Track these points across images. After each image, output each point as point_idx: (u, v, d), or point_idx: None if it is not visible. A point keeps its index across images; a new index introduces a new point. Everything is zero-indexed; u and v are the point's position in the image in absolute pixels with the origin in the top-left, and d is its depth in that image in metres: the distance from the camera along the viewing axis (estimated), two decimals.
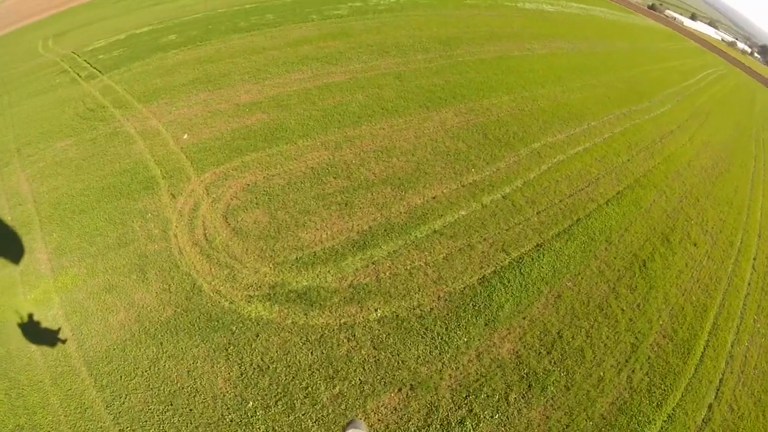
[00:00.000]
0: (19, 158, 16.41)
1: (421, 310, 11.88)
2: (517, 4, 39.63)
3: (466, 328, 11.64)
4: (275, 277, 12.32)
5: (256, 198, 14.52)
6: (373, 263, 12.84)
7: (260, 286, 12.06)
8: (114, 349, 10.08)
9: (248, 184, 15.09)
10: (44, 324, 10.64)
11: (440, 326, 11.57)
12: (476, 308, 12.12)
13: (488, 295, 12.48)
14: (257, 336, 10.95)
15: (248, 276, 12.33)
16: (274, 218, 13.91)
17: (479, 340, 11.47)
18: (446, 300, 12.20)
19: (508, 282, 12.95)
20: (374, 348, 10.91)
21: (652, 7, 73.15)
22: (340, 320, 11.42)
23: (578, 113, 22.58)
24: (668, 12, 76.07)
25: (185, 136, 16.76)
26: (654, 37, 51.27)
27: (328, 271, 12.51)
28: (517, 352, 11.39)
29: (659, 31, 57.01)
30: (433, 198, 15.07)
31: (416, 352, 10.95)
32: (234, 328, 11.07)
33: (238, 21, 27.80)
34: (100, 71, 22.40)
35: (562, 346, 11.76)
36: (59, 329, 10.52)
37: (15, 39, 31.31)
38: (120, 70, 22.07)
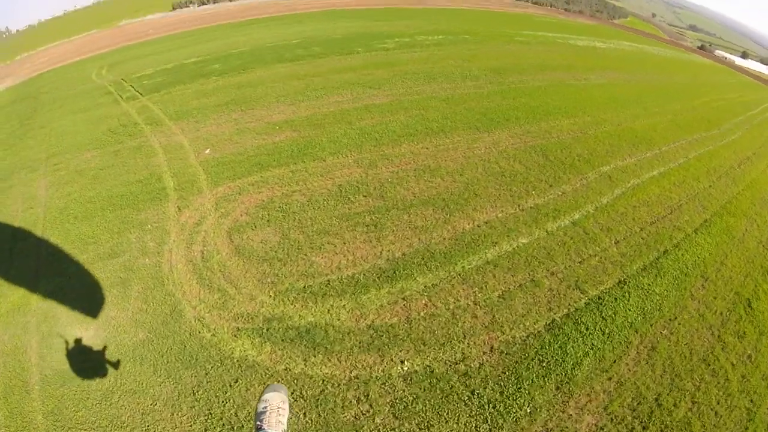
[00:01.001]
0: (46, 166, 15.79)
1: (466, 365, 8.27)
2: (569, 41, 37.01)
3: (529, 392, 7.91)
4: (274, 307, 9.26)
5: (269, 215, 12.00)
6: (403, 299, 9.45)
7: (253, 318, 9.02)
8: (71, 371, 8.22)
9: (264, 200, 12.66)
10: (14, 331, 9.10)
11: (493, 389, 7.88)
12: (544, 365, 8.36)
13: (560, 347, 8.71)
14: (236, 381, 7.78)
15: (242, 304, 9.34)
16: (286, 238, 11.17)
17: (549, 410, 7.70)
18: (502, 352, 8.52)
19: (586, 329, 9.14)
20: (394, 416, 7.34)
21: (702, 48, 69.48)
22: (350, 372, 8.01)
23: (647, 138, 18.96)
24: (718, 52, 72.05)
25: (207, 151, 15.35)
26: (709, 72, 47.41)
27: (343, 306, 9.32)
28: (602, 428, 7.56)
29: (713, 67, 53.22)
30: (486, 223, 11.65)
31: (456, 426, 7.28)
32: (209, 367, 8.02)
33: (283, 53, 26.60)
34: (141, 94, 22.00)
35: (662, 417, 7.90)
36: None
37: (75, 68, 31.89)
38: (160, 93, 21.54)
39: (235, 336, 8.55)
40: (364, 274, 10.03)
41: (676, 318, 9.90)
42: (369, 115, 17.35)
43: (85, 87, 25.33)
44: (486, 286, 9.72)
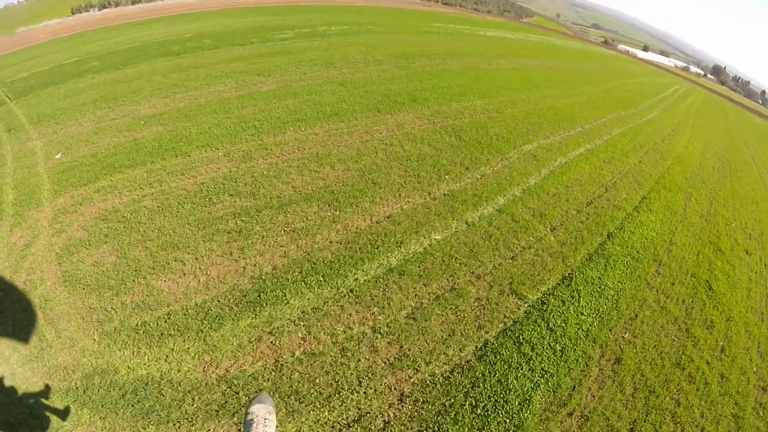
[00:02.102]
0: None
1: (364, 427, 5.05)
2: (478, 32, 35.47)
3: None
4: (98, 356, 5.82)
5: (109, 228, 8.49)
6: (271, 333, 6.08)
7: (71, 373, 5.57)
8: None
9: (106, 210, 9.14)
10: None
11: None
12: (480, 411, 5.34)
13: (499, 381, 5.74)
14: None
15: (59, 352, 5.83)
16: (124, 257, 7.67)
17: None
18: (417, 401, 5.39)
19: (531, 349, 6.25)
20: None
21: (605, 43, 72.86)
22: None
23: (567, 116, 17.14)
24: (621, 46, 76.19)
25: (58, 156, 12.07)
26: (617, 61, 49.17)
27: (187, 350, 5.94)
28: None
29: (619, 57, 55.88)
30: (388, 218, 8.52)
31: None
32: None
33: (170, 47, 22.21)
34: (9, 98, 18.16)
35: None
36: None
37: None
38: (29, 96, 17.89)
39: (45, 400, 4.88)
40: (218, 301, 6.56)
41: (636, 316, 7.36)
42: (252, 102, 13.73)
43: None
44: (389, 304, 6.54)
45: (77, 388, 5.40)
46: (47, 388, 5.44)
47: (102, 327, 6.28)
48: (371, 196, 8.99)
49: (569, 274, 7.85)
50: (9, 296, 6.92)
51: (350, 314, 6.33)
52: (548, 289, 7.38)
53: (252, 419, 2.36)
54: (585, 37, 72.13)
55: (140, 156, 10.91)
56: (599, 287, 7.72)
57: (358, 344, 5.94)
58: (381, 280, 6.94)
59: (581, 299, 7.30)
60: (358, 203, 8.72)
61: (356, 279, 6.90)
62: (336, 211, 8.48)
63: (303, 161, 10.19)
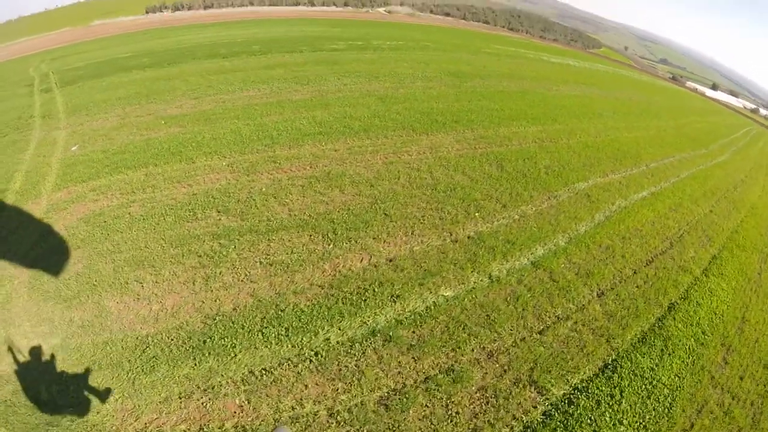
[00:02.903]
0: None
1: None
2: (542, 57, 33.32)
3: None
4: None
5: (87, 233, 7.86)
6: (206, 392, 4.89)
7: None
8: None
9: (93, 212, 8.54)
10: None
11: None
12: None
13: None
14: None
15: None
16: (89, 268, 6.93)
17: None
18: None
19: None
20: None
21: (674, 78, 67.69)
22: None
23: (631, 152, 14.93)
24: (689, 83, 70.72)
25: (74, 148, 11.80)
26: (686, 97, 44.98)
27: (113, 389, 5.04)
28: None
29: (688, 94, 51.18)
30: (390, 261, 7.02)
31: None
32: None
33: (218, 50, 22.12)
34: (57, 86, 18.68)
35: None
36: None
37: (23, 61, 27.33)
38: (75, 85, 18.25)
39: None
40: (161, 338, 5.53)
41: (692, 426, 5.38)
42: (278, 110, 12.81)
43: (16, 78, 21.32)
44: (360, 381, 5.01)
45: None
46: None
47: (44, 340, 5.55)
48: (377, 231, 7.55)
49: (613, 361, 5.96)
50: None
51: (306, 386, 4.88)
52: (581, 381, 5.55)
53: None
54: (653, 71, 67.59)
55: (146, 157, 10.32)
56: (650, 383, 5.78)
57: (304, 430, 4.47)
58: (359, 344, 5.43)
59: (623, 400, 5.41)
60: (359, 238, 7.30)
61: (327, 339, 5.45)
62: (329, 245, 7.11)
63: (311, 180, 8.96)
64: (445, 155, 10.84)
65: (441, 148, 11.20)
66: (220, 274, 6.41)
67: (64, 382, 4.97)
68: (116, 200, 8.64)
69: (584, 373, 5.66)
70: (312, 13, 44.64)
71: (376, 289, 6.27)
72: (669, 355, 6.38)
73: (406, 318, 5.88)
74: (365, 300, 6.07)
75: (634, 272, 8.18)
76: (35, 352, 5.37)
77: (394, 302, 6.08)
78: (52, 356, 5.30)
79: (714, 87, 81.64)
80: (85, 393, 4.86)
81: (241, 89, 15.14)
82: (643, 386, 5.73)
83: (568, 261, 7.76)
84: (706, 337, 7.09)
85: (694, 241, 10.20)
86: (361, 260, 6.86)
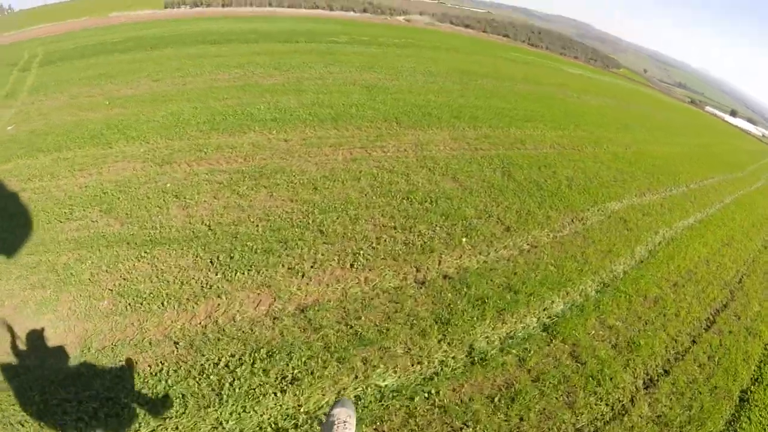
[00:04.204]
0: None
1: None
2: (561, 68, 30.07)
3: None
4: None
5: None
6: None
7: None
8: None
9: None
10: None
11: None
12: None
13: None
14: None
15: None
16: None
17: None
18: None
19: None
20: None
21: (692, 102, 64.00)
22: None
23: (668, 170, 11.91)
24: (708, 108, 67.02)
25: (9, 128, 10.32)
26: (706, 119, 41.08)
27: None
28: None
29: (709, 117, 47.24)
30: (302, 311, 4.12)
31: None
32: None
33: (210, 38, 19.76)
34: (37, 66, 17.12)
35: None
36: None
37: (24, 44, 24.95)
38: (51, 66, 16.68)
39: None
40: None
41: None
42: (238, 94, 10.19)
43: (9, 59, 19.21)
44: None
45: None
46: None
47: None
48: (297, 258, 4.70)
49: None
50: None
51: None
52: None
53: (333, 420, 2.13)
54: (672, 94, 64.34)
55: (65, 140, 8.15)
56: None
57: None
58: None
59: None
60: (266, 267, 4.48)
61: None
62: (216, 274, 4.34)
63: (235, 176, 6.21)
64: (432, 155, 7.94)
65: (429, 146, 8.32)
66: (56, 302, 3.79)
67: None
68: (7, 188, 6.23)
69: None
70: (328, 15, 42.43)
71: (260, 364, 3.46)
72: None
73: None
74: (234, 383, 3.27)
75: (693, 341, 5.19)
76: None
77: (283, 393, 3.25)
78: None
79: (733, 113, 77.59)
80: None
81: (211, 73, 12.62)
82: None
83: (600, 323, 4.80)
84: None
85: (757, 288, 7.15)
86: (257, 305, 4.05)
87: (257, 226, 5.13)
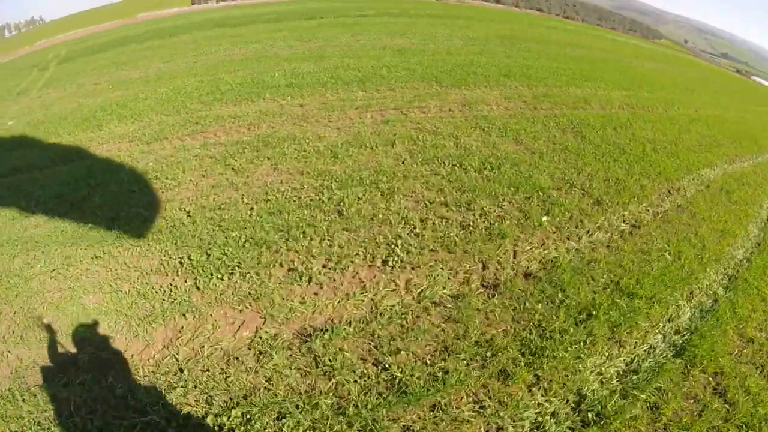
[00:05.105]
0: None
1: None
2: (606, 36, 26.97)
3: None
4: None
5: None
6: None
7: None
8: None
9: None
10: None
11: None
12: None
13: None
14: None
15: None
16: None
17: None
18: None
19: None
20: None
21: (738, 72, 58.52)
22: None
23: (747, 134, 9.65)
24: (754, 77, 61.33)
25: (10, 122, 9.49)
26: (757, 88, 36.71)
27: None
28: None
29: (758, 85, 42.53)
30: (305, 337, 2.59)
31: None
32: None
33: (230, 21, 18.76)
34: (55, 64, 16.79)
35: None
36: None
37: (53, 48, 25.69)
38: (71, 62, 16.20)
39: None
40: None
41: None
42: (252, 65, 8.89)
43: (35, 61, 19.44)
44: None
45: None
46: None
47: None
48: (301, 253, 3.13)
49: None
50: None
51: None
52: None
53: None
54: (717, 63, 59.05)
55: (56, 127, 7.23)
56: None
57: None
58: None
59: None
60: (251, 271, 2.93)
61: None
62: (180, 278, 2.90)
63: (233, 149, 4.76)
64: (485, 114, 6.17)
65: (479, 105, 6.54)
66: None
67: None
68: None
69: None
70: None
71: None
72: None
73: None
74: None
75: None
76: None
77: None
78: None
79: None
80: None
81: (226, 50, 11.45)
82: None
83: (740, 336, 3.04)
84: None
85: None
86: (238, 328, 2.54)
87: (251, 209, 3.63)
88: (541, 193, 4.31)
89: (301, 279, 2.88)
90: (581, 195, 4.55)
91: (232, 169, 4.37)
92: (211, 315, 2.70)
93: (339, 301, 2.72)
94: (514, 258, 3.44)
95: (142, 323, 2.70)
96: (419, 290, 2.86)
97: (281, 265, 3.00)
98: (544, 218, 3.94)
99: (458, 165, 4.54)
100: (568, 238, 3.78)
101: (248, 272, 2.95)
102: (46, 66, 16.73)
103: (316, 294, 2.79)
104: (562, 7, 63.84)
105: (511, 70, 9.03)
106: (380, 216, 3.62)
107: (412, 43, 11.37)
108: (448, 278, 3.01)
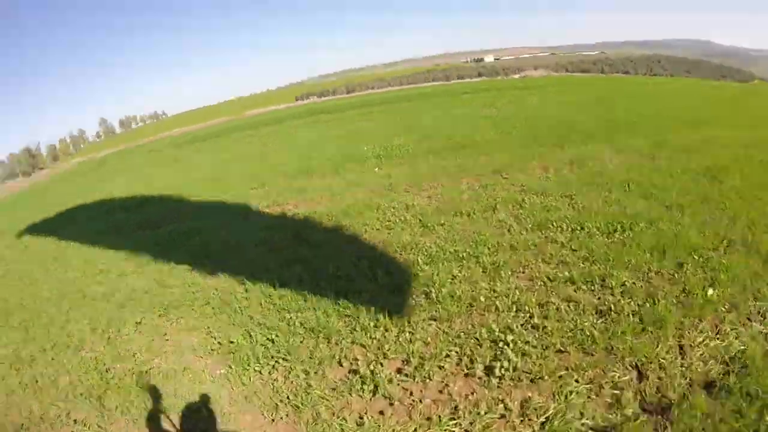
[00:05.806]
0: None
1: None
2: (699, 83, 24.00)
3: None
4: None
5: None
6: None
7: None
8: None
9: None
10: None
11: None
12: None
13: None
14: None
15: None
16: None
17: None
18: None
19: None
20: None
21: None
22: None
23: None
24: None
25: None
26: None
27: None
28: None
29: None
30: None
31: None
32: None
33: (319, 107, 20.46)
34: (164, 147, 21.50)
35: None
36: None
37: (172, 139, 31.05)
38: (195, 145, 18.95)
39: None
40: None
41: None
42: (347, 142, 8.87)
43: (149, 147, 24.79)
44: None
45: None
46: None
47: None
48: (373, 348, 2.27)
49: None
50: None
51: None
52: None
53: None
54: None
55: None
56: None
57: None
58: None
59: None
60: (301, 363, 2.21)
61: None
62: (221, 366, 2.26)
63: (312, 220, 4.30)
64: (599, 170, 5.11)
65: (589, 162, 5.49)
66: None
67: None
68: None
69: None
70: (446, 85, 43.47)
71: None
72: None
73: None
74: None
75: None
76: None
77: None
78: None
79: None
80: None
81: (319, 132, 12.02)
82: None
83: None
84: None
85: None
86: None
87: (317, 285, 2.98)
88: (695, 256, 3.05)
89: (363, 387, 2.04)
90: (746, 252, 3.16)
91: (305, 241, 3.85)
92: (233, 416, 1.97)
93: (415, 429, 1.79)
94: (683, 357, 2.22)
95: None
96: (543, 417, 1.81)
97: (340, 363, 2.20)
98: (711, 291, 2.66)
99: (579, 228, 3.50)
100: (749, 319, 2.45)
101: (294, 368, 2.19)
102: (157, 149, 21.30)
103: (381, 413, 1.91)
104: (648, 65, 61.21)
105: (615, 125, 8.03)
106: (482, 300, 2.68)
107: (505, 111, 10.90)
108: (588, 397, 1.91)
